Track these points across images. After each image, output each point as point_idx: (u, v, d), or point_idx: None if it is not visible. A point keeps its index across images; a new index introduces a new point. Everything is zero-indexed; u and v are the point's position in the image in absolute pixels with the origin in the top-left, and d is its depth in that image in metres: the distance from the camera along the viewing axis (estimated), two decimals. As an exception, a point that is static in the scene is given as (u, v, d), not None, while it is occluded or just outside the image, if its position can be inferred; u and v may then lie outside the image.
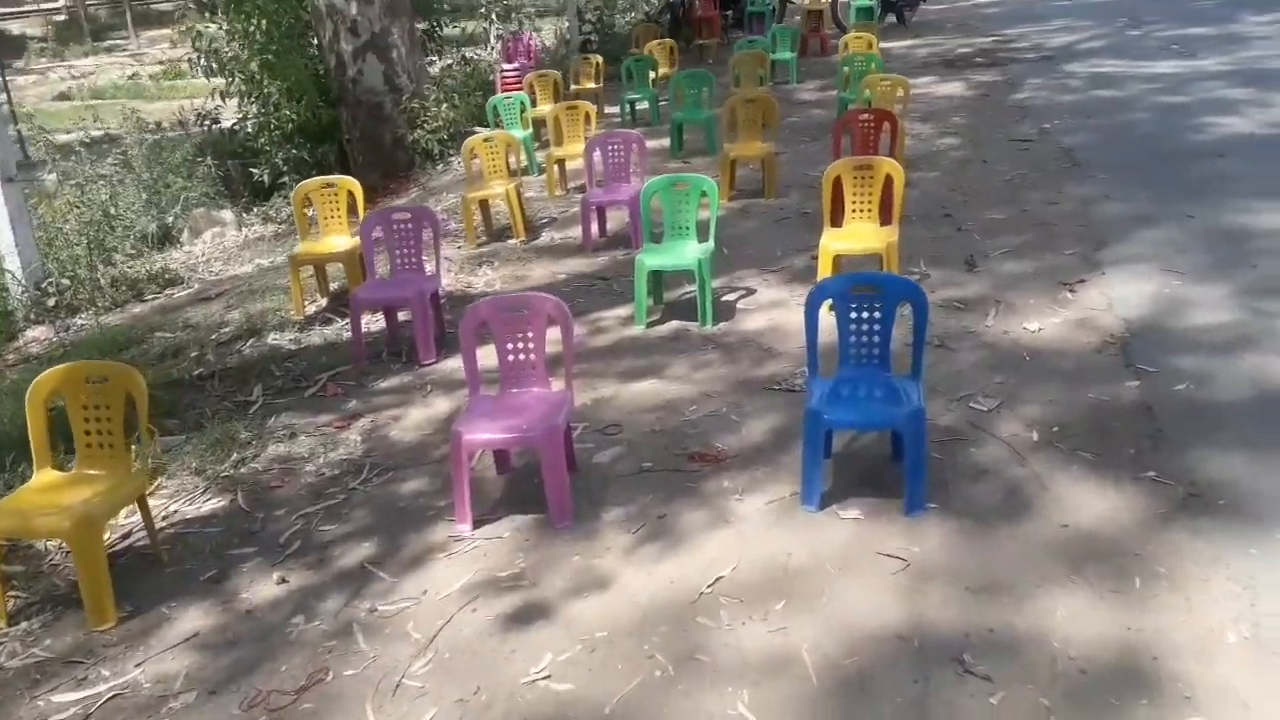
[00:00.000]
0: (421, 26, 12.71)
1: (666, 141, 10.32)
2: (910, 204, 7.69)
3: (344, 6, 11.17)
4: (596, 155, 7.63)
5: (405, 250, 5.89)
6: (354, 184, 6.76)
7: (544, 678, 3.19)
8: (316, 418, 5.20)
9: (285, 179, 11.52)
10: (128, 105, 15.56)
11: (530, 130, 10.14)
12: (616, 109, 12.43)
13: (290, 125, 11.34)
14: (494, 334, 4.18)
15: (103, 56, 32.60)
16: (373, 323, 6.32)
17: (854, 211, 6.07)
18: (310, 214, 7.00)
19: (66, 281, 7.97)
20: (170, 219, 10.37)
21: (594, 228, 7.64)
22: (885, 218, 6.06)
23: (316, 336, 6.29)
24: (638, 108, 12.00)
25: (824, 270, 5.82)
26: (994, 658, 3.05)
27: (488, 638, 3.41)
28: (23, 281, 7.75)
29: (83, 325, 7.62)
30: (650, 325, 5.95)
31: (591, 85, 12.66)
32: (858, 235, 5.94)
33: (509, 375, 4.22)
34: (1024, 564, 3.47)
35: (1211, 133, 8.93)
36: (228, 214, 10.73)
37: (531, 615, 3.50)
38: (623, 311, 6.15)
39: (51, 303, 7.81)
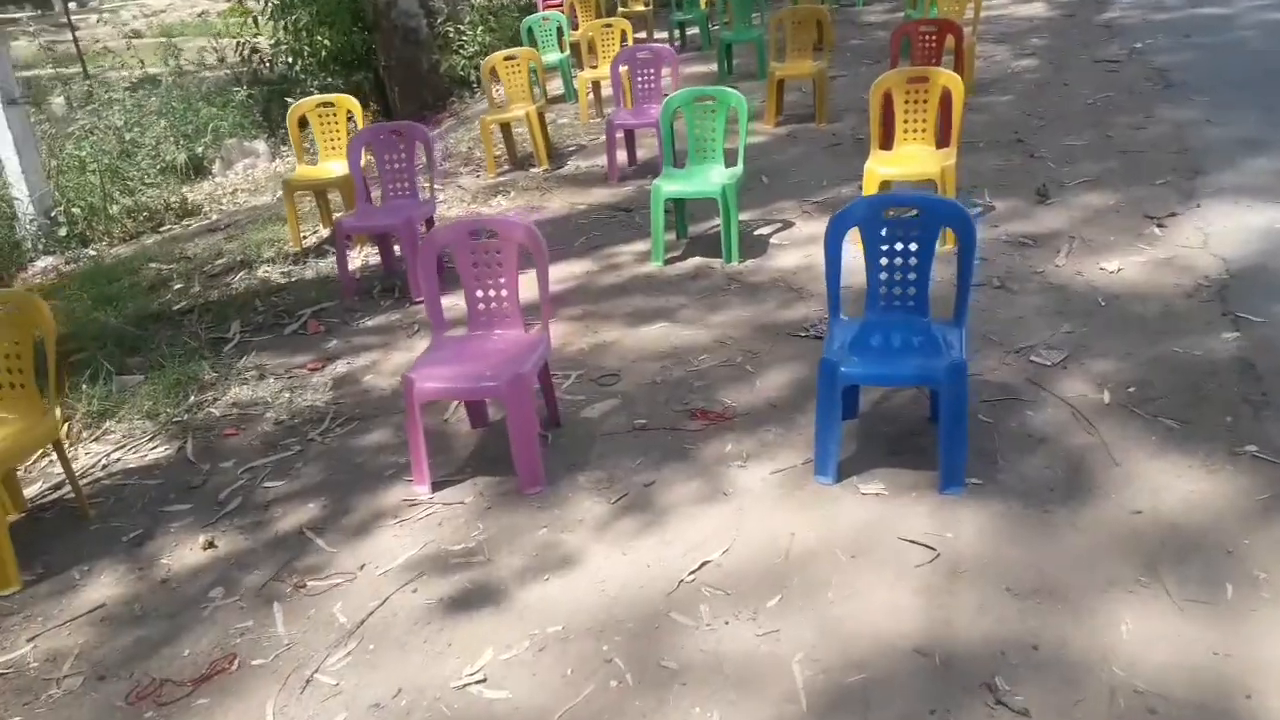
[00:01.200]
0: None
1: (716, 66, 9.48)
2: (978, 129, 6.82)
3: (377, -77, 10.46)
4: (623, 73, 6.87)
5: (397, 173, 5.25)
6: (353, 103, 6.15)
7: (477, 681, 2.59)
8: (291, 358, 4.65)
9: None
10: (175, 43, 15.18)
11: (568, 53, 9.38)
12: (667, 34, 11.58)
13: (324, 52, 10.74)
14: (458, 266, 3.54)
15: (176, -9, 32.53)
16: (371, 254, 5.74)
17: (906, 132, 5.24)
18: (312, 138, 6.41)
19: (77, 210, 7.56)
20: (200, 149, 9.92)
21: (622, 154, 6.92)
22: (944, 140, 5.25)
23: (311, 269, 5.73)
24: (688, 32, 11.13)
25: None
26: (1035, 684, 2.36)
27: (423, 627, 2.83)
28: (31, 210, 7.35)
29: (93, 256, 7.21)
30: (669, 262, 5.25)
31: (641, 7, 11.79)
32: (909, 159, 5.12)
33: (478, 315, 3.59)
34: (1083, 561, 2.74)
35: (1331, 50, 7.80)
36: (260, 144, 10.24)
37: (478, 600, 2.90)
38: (642, 246, 5.45)
39: (63, 232, 7.41)
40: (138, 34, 25.98)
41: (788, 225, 5.62)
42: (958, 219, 3.25)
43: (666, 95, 6.86)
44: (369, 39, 10.95)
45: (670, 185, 5.12)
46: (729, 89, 5.28)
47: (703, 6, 11.08)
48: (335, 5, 10.57)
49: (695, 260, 5.25)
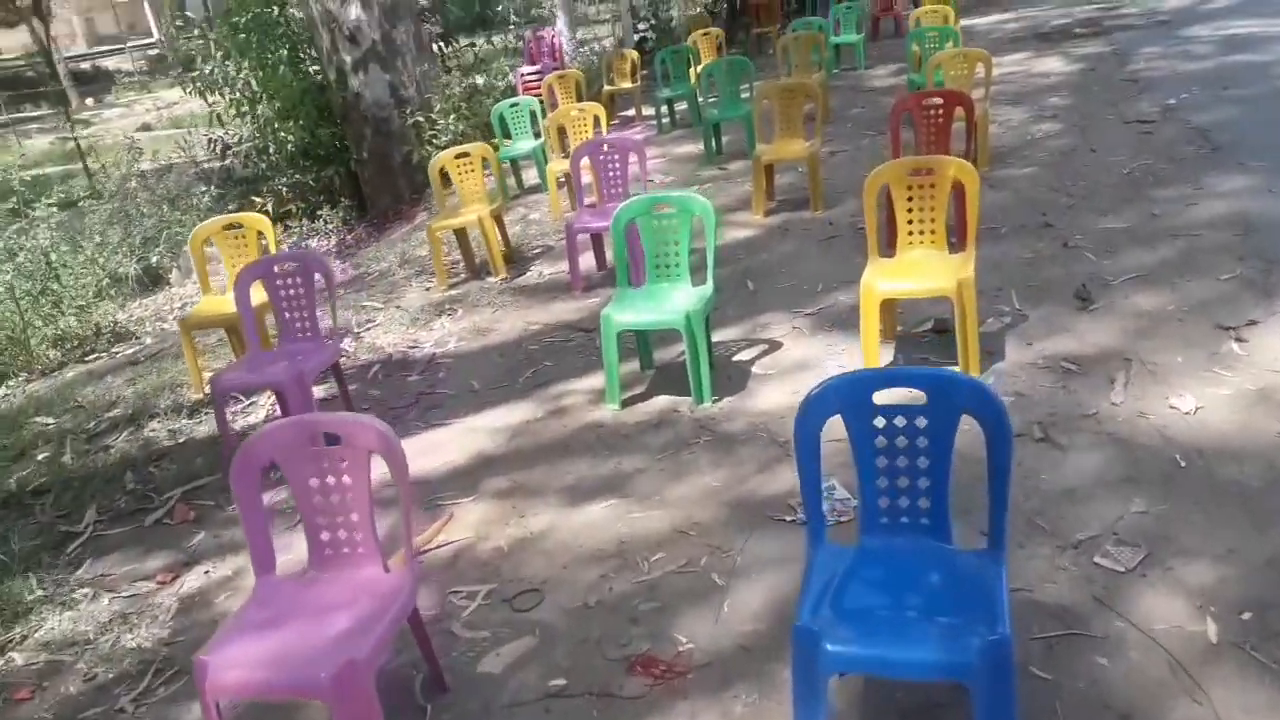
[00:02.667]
0: (437, 30, 11.18)
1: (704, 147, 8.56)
2: (999, 210, 5.79)
3: (340, 11, 9.71)
4: (585, 167, 5.92)
5: (294, 309, 4.28)
6: (264, 223, 5.23)
7: None
8: (143, 562, 3.63)
9: (292, 207, 10.20)
10: (172, 137, 14.55)
11: (542, 140, 8.49)
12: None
13: (289, 147, 9.94)
14: (290, 483, 2.52)
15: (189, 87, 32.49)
16: (269, 406, 4.76)
17: (911, 234, 4.22)
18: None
19: (-10, 345, 6.69)
20: (155, 258, 9.08)
21: (589, 258, 5.96)
22: (958, 239, 4.23)
23: (207, 424, 4.75)
24: (677, 108, 10.25)
25: (867, 322, 3.99)
26: None
27: None
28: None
29: (6, 396, 6.31)
30: (628, 403, 4.23)
31: (628, 84, 10.95)
32: (916, 269, 4.09)
33: (320, 550, 2.55)
34: None
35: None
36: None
37: None
38: (600, 381, 4.43)
39: (-23, 369, 6.54)
40: (148, 127, 25.76)
41: (774, 347, 4.58)
42: (982, 405, 2.20)
43: (636, 190, 5.92)
44: (337, 132, 10.15)
45: (623, 314, 4.11)
46: (692, 195, 4.28)
47: (692, 81, 10.20)
48: (299, 98, 9.79)
49: (660, 400, 4.22)
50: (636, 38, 16.00)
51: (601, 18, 21.86)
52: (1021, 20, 13.22)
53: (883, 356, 4.21)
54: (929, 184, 4.15)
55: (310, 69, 10.25)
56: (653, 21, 16.92)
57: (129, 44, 41.18)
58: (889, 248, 4.34)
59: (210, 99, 10.37)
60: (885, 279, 4.00)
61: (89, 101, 34.47)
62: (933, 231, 4.18)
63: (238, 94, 9.97)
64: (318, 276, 4.23)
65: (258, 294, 4.37)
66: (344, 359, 5.07)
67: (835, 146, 8.14)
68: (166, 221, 9.64)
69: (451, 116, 9.42)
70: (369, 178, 10.27)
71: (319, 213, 9.95)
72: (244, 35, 9.93)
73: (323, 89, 10.09)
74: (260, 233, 5.19)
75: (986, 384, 2.22)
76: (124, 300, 8.66)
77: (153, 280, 8.99)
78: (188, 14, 15.43)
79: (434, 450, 4.05)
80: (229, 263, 5.31)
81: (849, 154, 7.85)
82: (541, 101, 9.65)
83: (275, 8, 10.28)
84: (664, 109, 10.12)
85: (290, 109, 9.81)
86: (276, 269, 4.25)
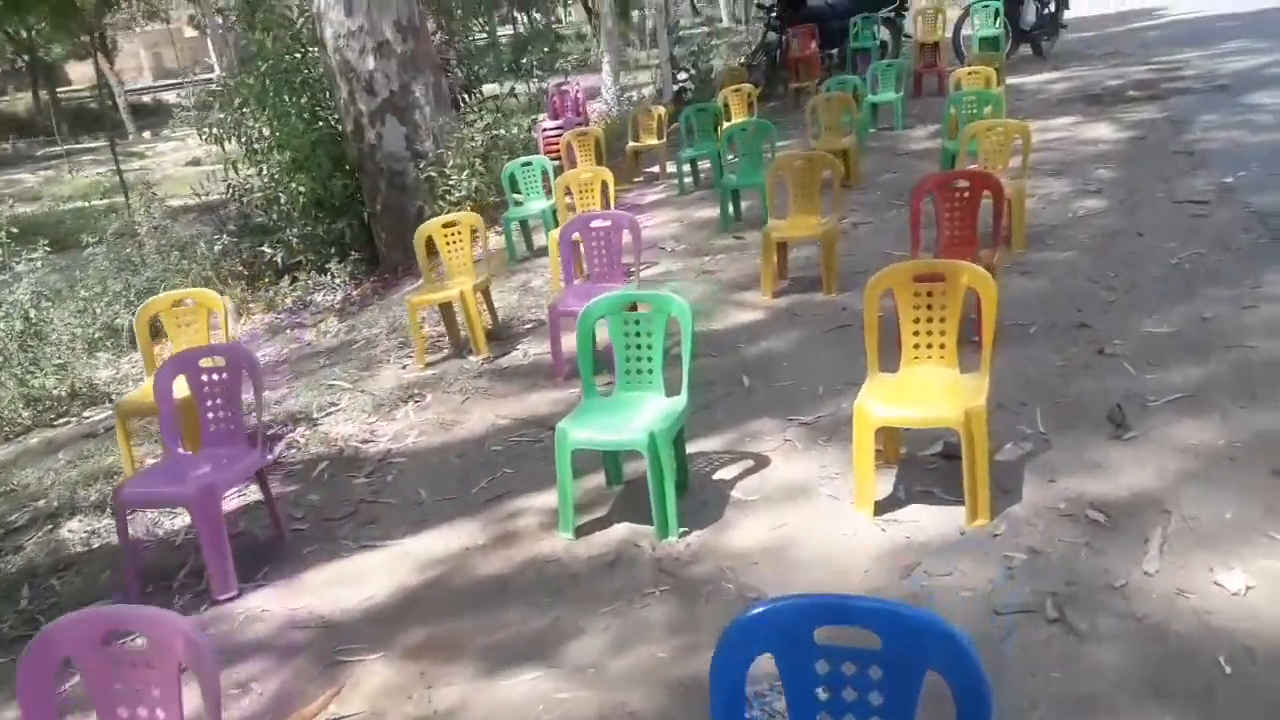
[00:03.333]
0: (459, 82, 10.87)
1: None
2: (1029, 303, 5.21)
3: (358, 61, 9.43)
4: (575, 243, 5.44)
5: (218, 406, 3.83)
6: (215, 301, 4.82)
7: None
8: (2, 713, 3.17)
9: (302, 259, 9.87)
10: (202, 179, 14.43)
11: (553, 201, 8.06)
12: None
13: (302, 198, 9.64)
14: (88, 689, 2.03)
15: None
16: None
17: (918, 347, 3.66)
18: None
19: (-40, 405, 6.36)
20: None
21: (572, 340, 5.46)
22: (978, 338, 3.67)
23: (133, 524, 4.30)
24: (702, 166, 9.77)
25: (860, 453, 3.43)
26: None
27: None
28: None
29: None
30: (583, 531, 3.69)
31: (653, 140, 10.51)
32: (920, 390, 3.52)
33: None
34: None
35: None
36: (225, 301, 9.05)
37: None
38: (556, 498, 3.90)
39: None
40: (197, 161, 26.00)
41: (761, 464, 4.03)
42: (954, 665, 1.63)
43: (631, 270, 5.43)
44: (351, 184, 9.83)
45: (581, 430, 3.59)
46: (669, 295, 3.76)
47: (718, 141, 9.72)
48: (311, 149, 9.49)
49: (620, 530, 3.68)
50: (675, 88, 15.64)
51: (650, 62, 21.54)
52: (1072, 79, 12.57)
53: (881, 486, 3.64)
54: (940, 291, 3.60)
55: (329, 118, 9.98)
56: (692, 71, 16.53)
57: (188, 79, 42.03)
58: (894, 357, 3.78)
59: (227, 145, 10.14)
60: (883, 403, 3.44)
61: (146, 135, 35.11)
62: (942, 346, 3.62)
63: (251, 143, 9.72)
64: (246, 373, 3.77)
65: (184, 388, 3.93)
66: (294, 452, 4.62)
67: (860, 217, 7.59)
68: (171, 270, 9.37)
69: (465, 172, 9.04)
70: (382, 231, 9.93)
71: (328, 265, 9.62)
72: (262, 82, 9.70)
73: (338, 140, 9.80)
74: (211, 311, 4.78)
75: (963, 640, 1.64)
76: (117, 354, 8.37)
77: (150, 333, 8.68)
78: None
79: (356, 581, 3.55)
80: (175, 341, 4.90)
81: (873, 227, 7.29)
82: (559, 160, 9.28)
83: (298, 55, 10.06)
84: (687, 168, 9.65)
85: (304, 159, 9.51)
86: (201, 363, 3.81)
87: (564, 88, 10.87)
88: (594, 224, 5.25)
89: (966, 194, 5.01)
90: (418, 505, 4.08)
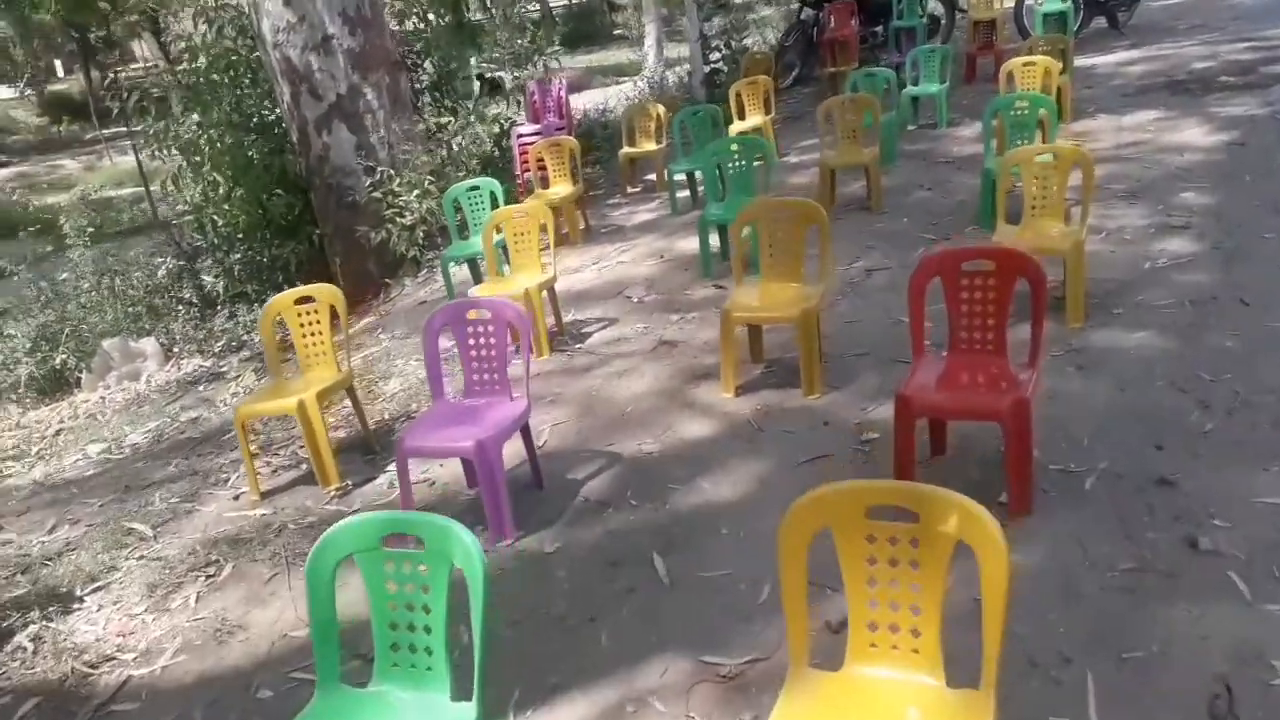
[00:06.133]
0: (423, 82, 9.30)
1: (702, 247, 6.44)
2: (1086, 425, 3.62)
3: (299, 60, 7.99)
4: (442, 345, 3.92)
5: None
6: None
7: None
8: None
9: (247, 289, 8.55)
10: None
11: (502, 237, 6.52)
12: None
13: (241, 219, 8.29)
14: None
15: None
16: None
17: (874, 642, 2.09)
18: None
19: None
20: (60, 356, 7.54)
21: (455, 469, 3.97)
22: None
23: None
24: (700, 178, 8.12)
25: None
26: None
27: None
28: None
29: None
30: None
31: (651, 146, 8.88)
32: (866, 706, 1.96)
33: None
34: None
35: None
36: (148, 344, 7.79)
37: None
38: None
39: None
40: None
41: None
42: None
43: (518, 370, 3.91)
44: (297, 201, 8.43)
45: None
46: (455, 529, 2.20)
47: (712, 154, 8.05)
48: (246, 164, 8.10)
49: None
50: (707, 69, 13.85)
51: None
52: (1152, 60, 10.52)
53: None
54: (907, 534, 2.02)
55: (274, 126, 8.58)
56: (725, 52, 14.66)
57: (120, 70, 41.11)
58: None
59: (165, 158, 8.82)
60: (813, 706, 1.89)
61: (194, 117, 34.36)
62: (913, 642, 2.04)
63: (187, 154, 8.39)
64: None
65: None
66: (5, 680, 3.21)
67: (877, 259, 5.92)
68: (73, 314, 8.06)
69: (415, 192, 7.56)
70: (336, 256, 8.52)
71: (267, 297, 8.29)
72: (198, 86, 8.35)
73: (282, 151, 8.40)
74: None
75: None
76: (24, 409, 7.17)
77: (56, 382, 7.46)
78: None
79: None
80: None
81: (891, 276, 5.61)
82: (527, 176, 7.75)
83: (241, 52, 8.66)
84: (682, 181, 8.03)
85: (239, 174, 8.14)
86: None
87: (545, 86, 9.26)
88: (469, 315, 3.73)
89: (991, 281, 3.37)
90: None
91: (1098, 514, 3.14)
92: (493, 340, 3.71)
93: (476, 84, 11.12)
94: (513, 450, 3.81)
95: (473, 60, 10.70)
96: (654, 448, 4.06)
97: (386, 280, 8.10)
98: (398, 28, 9.14)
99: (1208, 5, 13.39)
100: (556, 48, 11.39)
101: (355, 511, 3.98)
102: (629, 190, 8.98)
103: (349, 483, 4.18)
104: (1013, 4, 12.10)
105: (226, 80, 8.43)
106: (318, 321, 4.31)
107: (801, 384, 4.27)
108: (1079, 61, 10.26)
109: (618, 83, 19.43)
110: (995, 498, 3.26)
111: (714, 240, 6.31)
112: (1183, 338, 4.25)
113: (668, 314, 5.69)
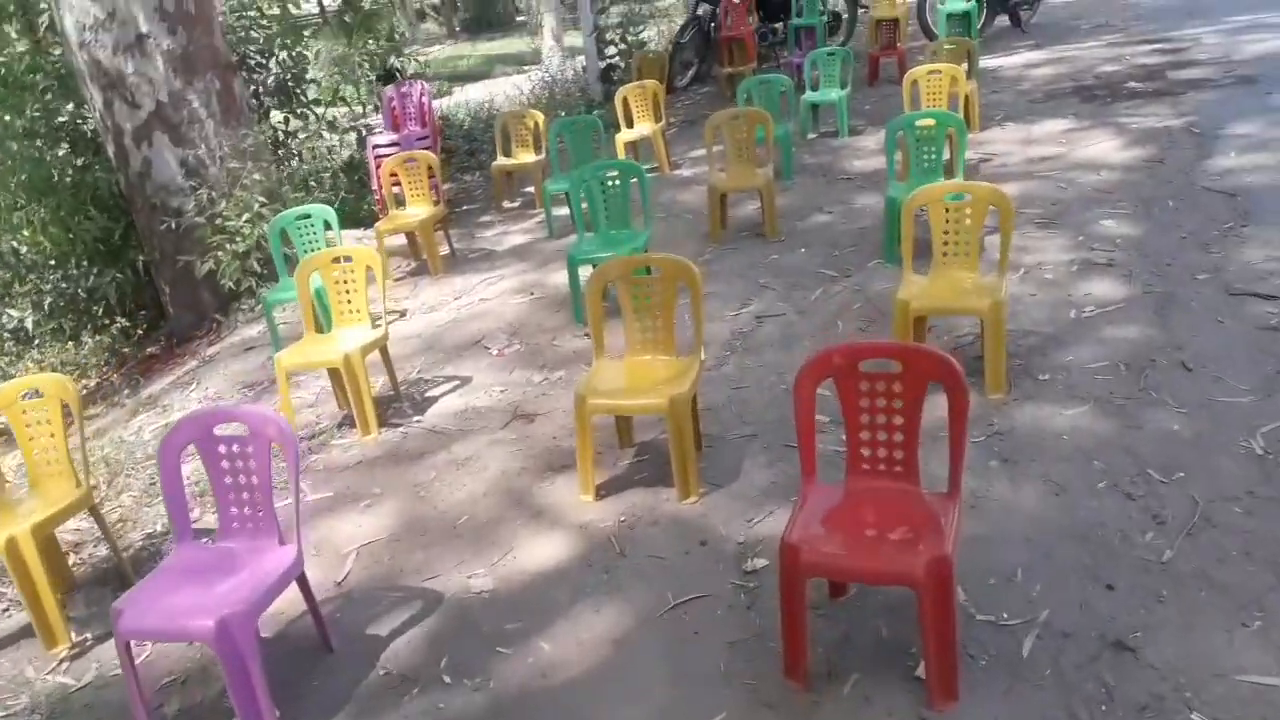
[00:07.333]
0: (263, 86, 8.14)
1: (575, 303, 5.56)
2: (1015, 549, 2.77)
3: (111, 63, 6.81)
4: (185, 486, 2.97)
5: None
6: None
7: None
8: None
9: (59, 323, 7.34)
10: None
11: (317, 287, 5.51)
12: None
13: (45, 245, 7.08)
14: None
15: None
16: None
17: None
18: None
19: None
20: None
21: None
22: None
23: None
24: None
25: None
26: None
27: None
28: None
29: None
30: None
31: (529, 157, 7.94)
32: None
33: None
34: None
35: None
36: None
37: None
38: None
39: None
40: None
41: None
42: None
43: (283, 535, 2.97)
44: (112, 225, 7.25)
45: None
46: None
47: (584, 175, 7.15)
48: (45, 178, 6.89)
49: None
50: (603, 64, 12.92)
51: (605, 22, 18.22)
52: (1058, 62, 10.01)
53: None
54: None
55: (93, 140, 7.36)
56: (621, 46, 13.70)
57: None
58: None
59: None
60: None
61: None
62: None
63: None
64: None
65: None
66: None
67: (769, 303, 5.13)
68: None
69: (245, 217, 6.48)
70: (165, 285, 7.38)
71: (94, 330, 7.13)
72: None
73: (92, 168, 7.20)
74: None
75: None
76: None
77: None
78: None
79: None
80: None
81: (783, 325, 4.82)
82: (379, 198, 6.75)
83: (46, 54, 7.42)
84: (561, 199, 7.14)
85: (40, 193, 6.92)
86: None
87: (404, 90, 8.20)
88: (217, 432, 2.77)
89: (896, 386, 2.56)
90: None
91: (1041, 700, 2.38)
92: (253, 464, 2.76)
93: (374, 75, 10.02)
94: (294, 595, 2.88)
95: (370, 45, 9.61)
96: (486, 583, 3.17)
97: (218, 317, 7.01)
98: (236, 21, 7.94)
99: (1107, 5, 13.03)
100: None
101: (86, 686, 2.98)
102: (505, 206, 8.04)
103: (87, 636, 3.18)
104: (914, 2, 11.50)
105: (29, 82, 7.17)
106: (48, 421, 3.28)
107: (677, 487, 3.43)
108: (983, 63, 9.70)
109: (520, 71, 18.26)
110: (911, 668, 2.48)
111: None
112: (1122, 417, 3.55)
113: (530, 371, 4.79)
